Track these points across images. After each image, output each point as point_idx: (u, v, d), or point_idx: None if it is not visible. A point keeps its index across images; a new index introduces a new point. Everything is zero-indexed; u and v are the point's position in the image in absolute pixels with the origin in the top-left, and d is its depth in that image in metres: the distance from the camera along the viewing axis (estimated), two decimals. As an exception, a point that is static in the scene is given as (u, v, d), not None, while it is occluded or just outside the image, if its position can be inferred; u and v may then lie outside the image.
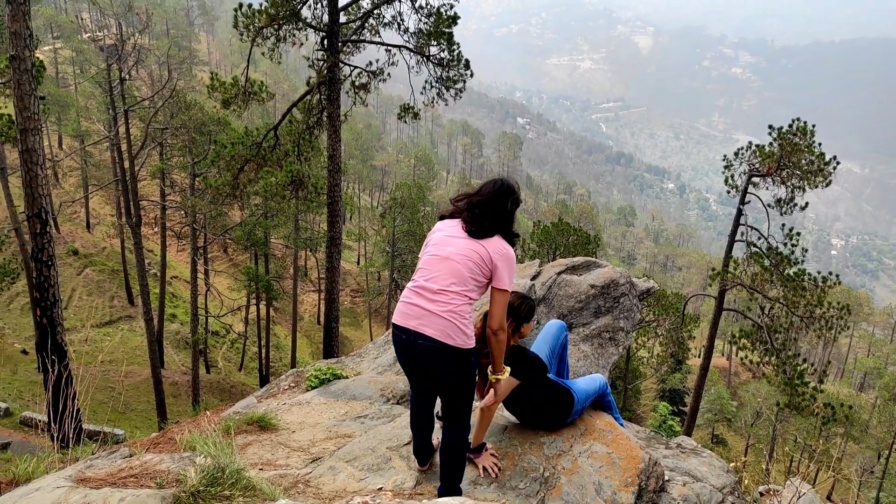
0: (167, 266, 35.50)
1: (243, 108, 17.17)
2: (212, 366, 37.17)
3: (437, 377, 3.63)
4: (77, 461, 3.83)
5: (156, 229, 44.06)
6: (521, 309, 4.02)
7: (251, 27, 15.81)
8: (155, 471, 3.38)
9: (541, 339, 4.41)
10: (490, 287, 3.62)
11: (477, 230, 3.63)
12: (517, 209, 3.82)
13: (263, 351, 36.77)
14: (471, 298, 3.56)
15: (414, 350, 3.56)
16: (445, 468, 3.73)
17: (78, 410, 4.48)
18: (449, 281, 3.53)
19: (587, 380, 4.34)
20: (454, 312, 3.48)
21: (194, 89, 43.90)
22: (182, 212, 34.65)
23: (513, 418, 4.30)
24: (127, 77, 25.05)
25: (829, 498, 38.35)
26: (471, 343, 3.54)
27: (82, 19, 75.36)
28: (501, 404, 4.21)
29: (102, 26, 69.83)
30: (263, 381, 34.61)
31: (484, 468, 3.90)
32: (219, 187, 18.00)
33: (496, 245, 3.61)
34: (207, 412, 7.09)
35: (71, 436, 4.16)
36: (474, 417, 3.96)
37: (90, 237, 44.56)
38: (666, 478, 4.12)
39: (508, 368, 3.83)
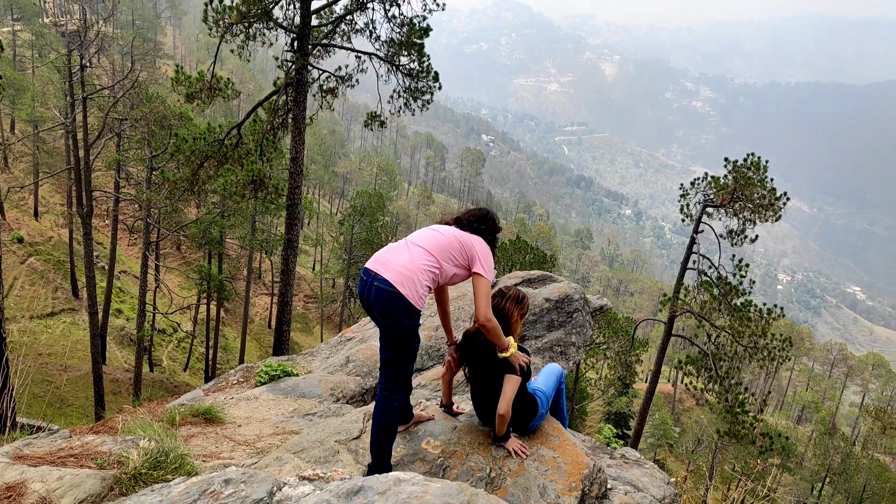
0: (116, 260, 34.71)
1: (207, 103, 16.94)
2: (156, 364, 36.33)
3: (382, 323, 3.75)
4: (14, 441, 3.72)
5: (107, 221, 43.11)
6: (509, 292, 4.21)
7: (221, 22, 15.64)
8: (96, 452, 3.31)
9: (542, 380, 4.48)
10: (471, 276, 3.89)
11: (465, 226, 4.10)
12: (496, 234, 4.26)
13: (211, 352, 36.12)
14: (438, 271, 3.76)
15: (368, 291, 3.71)
16: (371, 435, 3.85)
17: (14, 402, 4.38)
18: (430, 244, 3.81)
19: (545, 378, 4.46)
20: (417, 269, 3.67)
21: (157, 82, 43.27)
22: (136, 205, 34.01)
23: (463, 419, 4.32)
24: (88, 65, 24.55)
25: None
26: (419, 304, 3.66)
27: (45, 2, 73.63)
28: (472, 406, 4.35)
29: (66, 11, 68.30)
30: (209, 382, 33.90)
31: (514, 450, 4.02)
32: (176, 182, 17.68)
33: (477, 238, 4.01)
34: (151, 402, 6.95)
35: (8, 415, 4.05)
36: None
37: (37, 225, 43.32)
38: (609, 486, 4.18)
39: (513, 342, 3.95)
